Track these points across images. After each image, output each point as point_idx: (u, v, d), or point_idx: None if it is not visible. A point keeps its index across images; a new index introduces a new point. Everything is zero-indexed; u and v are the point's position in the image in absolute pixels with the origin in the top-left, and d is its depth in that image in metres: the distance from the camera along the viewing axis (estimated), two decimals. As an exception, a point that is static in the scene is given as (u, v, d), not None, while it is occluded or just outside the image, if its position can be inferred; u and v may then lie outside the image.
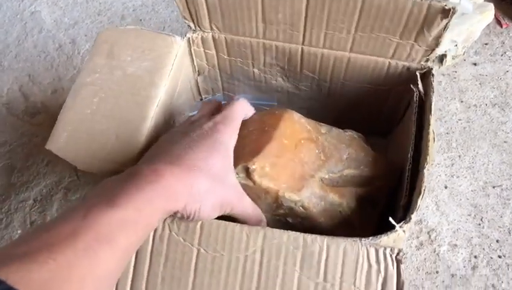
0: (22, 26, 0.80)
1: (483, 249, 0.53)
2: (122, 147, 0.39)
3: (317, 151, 0.42)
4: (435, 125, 0.63)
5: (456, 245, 0.53)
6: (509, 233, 0.54)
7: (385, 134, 0.57)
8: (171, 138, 0.40)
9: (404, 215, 0.36)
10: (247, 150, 0.41)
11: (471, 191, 0.57)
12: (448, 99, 0.66)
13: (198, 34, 0.49)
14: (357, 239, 0.34)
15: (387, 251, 0.34)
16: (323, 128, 0.45)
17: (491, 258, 0.52)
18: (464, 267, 0.52)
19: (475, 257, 0.52)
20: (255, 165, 0.39)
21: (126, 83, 0.43)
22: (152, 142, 0.40)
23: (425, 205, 0.56)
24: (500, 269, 0.51)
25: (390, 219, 0.34)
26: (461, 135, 0.62)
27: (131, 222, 0.31)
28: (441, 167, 0.60)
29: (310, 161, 0.41)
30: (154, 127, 0.42)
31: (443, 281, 0.51)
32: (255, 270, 0.36)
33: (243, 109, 0.42)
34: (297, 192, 0.40)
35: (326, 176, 0.42)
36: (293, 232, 0.35)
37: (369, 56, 0.47)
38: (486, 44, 0.71)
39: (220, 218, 0.37)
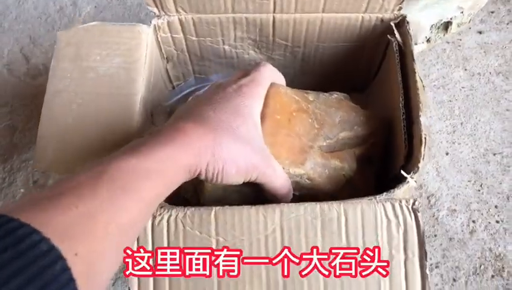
0: (22, -13, 0.79)
1: (482, 214, 0.53)
2: (113, 149, 0.37)
3: (310, 120, 0.43)
4: (437, 92, 0.63)
5: (455, 210, 0.54)
6: (508, 199, 0.54)
7: (361, 90, 0.57)
8: (194, 102, 0.39)
9: (406, 165, 0.37)
10: None
11: (472, 157, 0.58)
12: (452, 67, 0.65)
13: (164, 19, 0.47)
14: (372, 198, 0.35)
15: (403, 203, 0.34)
16: (310, 95, 0.45)
17: (489, 223, 0.53)
18: (462, 231, 0.52)
19: (473, 221, 0.53)
20: None
21: (102, 84, 0.41)
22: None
23: (425, 171, 0.57)
24: (497, 234, 0.52)
25: (402, 171, 0.35)
26: (464, 103, 0.62)
27: (155, 173, 0.30)
28: (443, 134, 0.60)
29: (306, 131, 0.42)
30: (142, 124, 0.41)
31: (441, 245, 0.52)
32: (278, 249, 0.35)
33: (270, 74, 0.41)
34: (300, 165, 0.40)
35: (324, 143, 0.42)
36: (309, 203, 0.36)
37: (342, 14, 0.46)
38: (492, 12, 0.70)
39: (244, 200, 0.38)
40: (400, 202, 0.34)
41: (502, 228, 0.52)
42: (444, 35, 0.67)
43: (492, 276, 0.49)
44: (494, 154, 0.58)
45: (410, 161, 0.37)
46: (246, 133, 0.36)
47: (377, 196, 0.35)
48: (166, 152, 0.31)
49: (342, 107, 0.45)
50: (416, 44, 0.64)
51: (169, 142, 0.32)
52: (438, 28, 0.65)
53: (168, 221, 0.36)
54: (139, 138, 0.36)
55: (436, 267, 0.50)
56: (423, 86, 0.38)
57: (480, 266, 0.50)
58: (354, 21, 0.47)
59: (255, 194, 0.41)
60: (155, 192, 0.30)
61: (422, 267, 0.34)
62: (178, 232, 0.36)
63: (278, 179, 0.38)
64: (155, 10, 0.46)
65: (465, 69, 0.65)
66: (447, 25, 0.66)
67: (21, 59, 0.70)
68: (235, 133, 0.35)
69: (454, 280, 0.49)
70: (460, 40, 0.68)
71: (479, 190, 0.55)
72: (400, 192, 0.35)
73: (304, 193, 0.43)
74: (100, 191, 0.27)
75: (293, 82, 0.46)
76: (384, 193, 0.35)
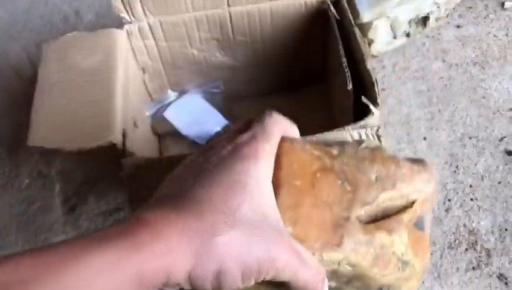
0: (30, -1, 0.85)
1: (457, 193, 0.56)
2: (101, 122, 0.43)
3: (339, 182, 0.33)
4: (417, 83, 0.66)
5: (431, 190, 0.57)
6: (482, 179, 0.57)
7: (323, 78, 0.62)
8: (174, 175, 0.29)
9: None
10: None
11: (449, 142, 0.60)
12: (431, 59, 0.69)
13: (134, 25, 0.52)
14: (341, 128, 0.40)
15: (369, 131, 0.39)
16: (334, 148, 0.34)
17: (464, 201, 0.55)
18: (438, 209, 0.55)
19: (449, 200, 0.56)
20: None
21: (85, 74, 0.47)
22: (126, 116, 0.44)
23: (403, 155, 0.60)
24: (471, 210, 0.55)
25: (364, 99, 0.40)
26: (442, 92, 0.65)
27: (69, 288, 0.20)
28: (421, 121, 0.63)
29: (336, 198, 0.32)
30: (122, 103, 0.46)
31: (417, 222, 0.55)
32: None
33: (278, 125, 0.30)
34: (337, 248, 0.30)
35: (362, 212, 0.32)
36: None
37: (287, 1, 0.51)
38: (470, 8, 0.74)
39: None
40: (366, 130, 0.39)
41: (476, 205, 0.55)
42: (423, 29, 0.70)
43: (466, 249, 0.52)
44: (470, 138, 0.60)
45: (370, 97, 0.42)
46: (252, 213, 0.25)
47: (346, 126, 0.40)
48: (105, 257, 0.21)
49: (376, 158, 0.34)
50: (395, 38, 0.68)
51: (115, 243, 0.21)
52: (417, 22, 0.69)
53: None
54: (114, 114, 0.40)
55: (413, 242, 0.53)
56: (364, 42, 0.42)
57: (455, 241, 0.53)
58: (299, 6, 0.52)
59: None
60: None
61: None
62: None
63: (307, 271, 0.27)
64: (126, 16, 0.51)
65: (444, 61, 0.68)
66: (425, 20, 0.70)
67: (28, 64, 0.75)
68: (234, 216, 0.25)
69: (430, 254, 0.52)
70: (440, 34, 0.71)
71: (455, 171, 0.58)
72: (365, 122, 0.40)
73: (343, 283, 0.33)
74: None
75: (260, 83, 0.49)
76: (351, 124, 0.40)
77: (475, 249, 0.52)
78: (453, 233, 0.53)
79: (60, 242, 0.22)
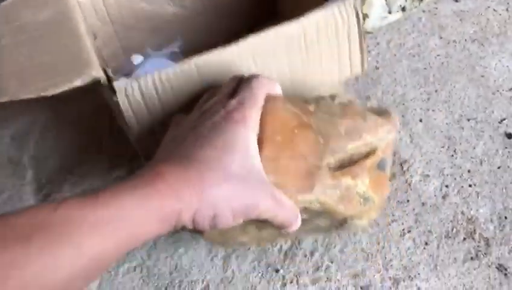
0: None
1: (455, 178, 0.53)
2: (75, 64, 0.39)
3: (314, 135, 0.39)
4: (412, 60, 0.63)
5: (428, 175, 0.54)
6: (481, 163, 0.54)
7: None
8: (176, 136, 0.35)
9: None
10: None
11: (446, 124, 0.57)
12: (427, 36, 0.65)
13: None
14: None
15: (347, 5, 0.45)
16: (311, 105, 0.41)
17: (462, 187, 0.53)
18: (435, 196, 0.52)
19: (446, 186, 0.53)
20: None
21: (44, 24, 0.42)
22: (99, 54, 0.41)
23: (399, 138, 0.56)
24: (470, 197, 0.52)
25: None
26: (439, 70, 0.62)
27: (108, 224, 0.26)
28: (417, 102, 0.59)
29: (311, 150, 0.38)
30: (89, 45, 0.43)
31: (413, 209, 0.52)
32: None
33: (263, 89, 0.36)
34: (309, 191, 0.37)
35: (332, 160, 0.39)
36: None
37: None
38: (468, -20, 0.70)
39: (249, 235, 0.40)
40: (345, 4, 0.44)
41: (475, 192, 0.52)
42: (419, 3, 0.66)
43: (464, 239, 0.49)
44: (468, 120, 0.57)
45: None
46: (241, 168, 0.32)
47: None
48: (134, 199, 0.27)
49: (346, 113, 0.42)
50: (390, 13, 0.64)
51: (140, 188, 0.28)
52: (413, -5, 0.65)
53: (154, 83, 0.40)
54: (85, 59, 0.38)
55: (409, 231, 0.50)
56: None
57: (452, 230, 0.50)
58: None
59: (258, 229, 0.40)
60: (108, 246, 0.26)
61: (362, 49, 0.48)
62: (167, 90, 0.39)
63: (284, 211, 0.35)
64: None
65: (441, 37, 0.65)
66: (421, -7, 0.66)
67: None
68: (227, 171, 0.31)
69: (426, 244, 0.49)
70: (437, 8, 0.67)
71: (453, 155, 0.55)
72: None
73: (314, 216, 0.40)
74: (31, 241, 0.23)
75: (212, 30, 0.47)
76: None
77: (473, 239, 0.49)
78: (451, 221, 0.51)
79: (99, 190, 0.27)
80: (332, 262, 0.49)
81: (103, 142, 0.60)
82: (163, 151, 0.34)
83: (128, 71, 0.57)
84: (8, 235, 0.23)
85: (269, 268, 0.49)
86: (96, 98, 0.56)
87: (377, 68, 0.62)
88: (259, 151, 0.35)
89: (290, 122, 0.38)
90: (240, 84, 0.37)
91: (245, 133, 0.33)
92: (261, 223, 0.37)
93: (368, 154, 0.41)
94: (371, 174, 0.41)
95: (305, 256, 0.49)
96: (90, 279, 0.27)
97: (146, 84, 0.40)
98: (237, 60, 0.42)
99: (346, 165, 0.40)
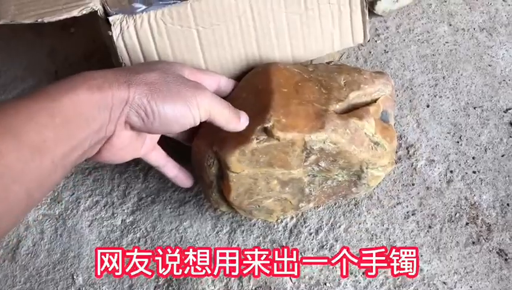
0: None
1: (460, 164, 0.54)
2: None
3: (316, 87, 0.43)
4: (421, 46, 0.63)
5: (433, 160, 0.54)
6: (486, 151, 0.55)
7: None
8: (143, 65, 0.41)
9: None
10: (254, 112, 0.41)
11: (453, 110, 0.58)
12: (436, 22, 0.65)
13: None
14: None
15: None
16: (310, 66, 0.46)
17: (466, 173, 0.53)
18: (440, 180, 0.53)
19: (451, 171, 0.54)
20: (271, 122, 0.39)
21: None
22: None
23: (406, 122, 0.57)
24: (473, 183, 0.53)
25: None
26: (447, 57, 0.62)
27: (44, 113, 0.27)
28: (425, 87, 0.60)
29: (316, 98, 0.43)
30: None
31: (418, 193, 0.52)
32: (250, 25, 0.44)
33: (213, 84, 0.43)
34: (321, 130, 0.40)
35: (337, 106, 0.43)
36: None
37: None
38: (479, -31, 0.70)
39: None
40: None
41: (478, 178, 0.53)
42: (430, -10, 0.66)
43: (467, 223, 0.50)
44: (475, 108, 0.58)
45: None
46: (174, 79, 0.37)
47: None
48: (64, 85, 0.30)
49: (342, 70, 0.46)
50: (401, -3, 0.64)
51: (68, 83, 0.31)
52: (425, -19, 0.65)
53: (149, 22, 0.41)
54: None
55: (413, 214, 0.51)
56: None
57: (456, 214, 0.51)
58: None
59: (281, 185, 0.43)
60: (47, 135, 0.27)
61: (364, 17, 0.49)
62: (161, 31, 0.41)
63: (228, 110, 0.39)
64: None
65: (450, 25, 0.65)
66: (433, -21, 0.66)
67: None
68: (154, 75, 0.36)
69: (429, 227, 0.50)
70: (447, -5, 0.67)
71: (458, 142, 0.55)
72: None
73: (331, 161, 0.43)
74: None
75: None
76: None
77: (476, 224, 0.50)
78: (454, 206, 0.51)
79: (35, 91, 0.29)
80: (337, 241, 0.49)
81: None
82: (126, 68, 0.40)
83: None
84: None
85: (274, 244, 0.49)
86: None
87: (386, 52, 0.62)
88: (271, 99, 0.41)
89: (292, 78, 0.43)
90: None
91: (173, 65, 0.39)
92: (282, 175, 0.41)
93: (369, 104, 0.45)
94: (376, 124, 0.44)
95: (310, 234, 0.50)
96: (38, 171, 0.27)
97: (141, 22, 0.41)
98: (233, 7, 0.44)
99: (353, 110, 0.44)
